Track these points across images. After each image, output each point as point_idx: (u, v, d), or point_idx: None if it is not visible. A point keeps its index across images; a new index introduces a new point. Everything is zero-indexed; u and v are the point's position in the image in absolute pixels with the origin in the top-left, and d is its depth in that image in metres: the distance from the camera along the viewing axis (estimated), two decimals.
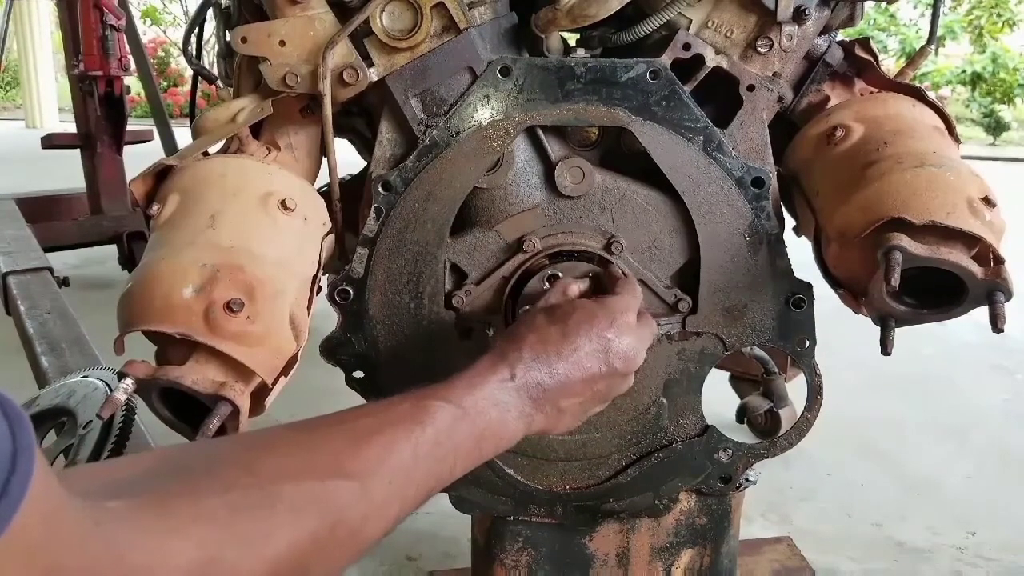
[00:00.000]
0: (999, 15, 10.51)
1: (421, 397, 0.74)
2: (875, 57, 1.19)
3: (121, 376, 0.89)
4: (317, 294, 1.02)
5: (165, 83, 12.26)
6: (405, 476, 0.70)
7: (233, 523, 0.56)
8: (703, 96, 1.07)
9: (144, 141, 3.82)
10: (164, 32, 13.75)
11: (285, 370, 0.96)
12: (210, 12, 1.38)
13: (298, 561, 0.60)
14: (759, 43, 1.07)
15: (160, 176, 1.03)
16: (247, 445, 0.68)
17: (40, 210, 3.58)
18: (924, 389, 2.52)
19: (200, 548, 0.53)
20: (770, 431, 1.98)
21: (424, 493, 0.73)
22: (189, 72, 1.82)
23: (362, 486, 0.66)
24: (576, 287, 0.97)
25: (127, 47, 3.63)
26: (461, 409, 0.75)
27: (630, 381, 0.90)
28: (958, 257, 0.95)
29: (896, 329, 1.01)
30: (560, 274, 1.08)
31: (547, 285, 1.08)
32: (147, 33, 12.58)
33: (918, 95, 1.15)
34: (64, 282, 2.72)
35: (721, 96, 1.10)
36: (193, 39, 1.38)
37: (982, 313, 0.97)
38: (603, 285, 1.01)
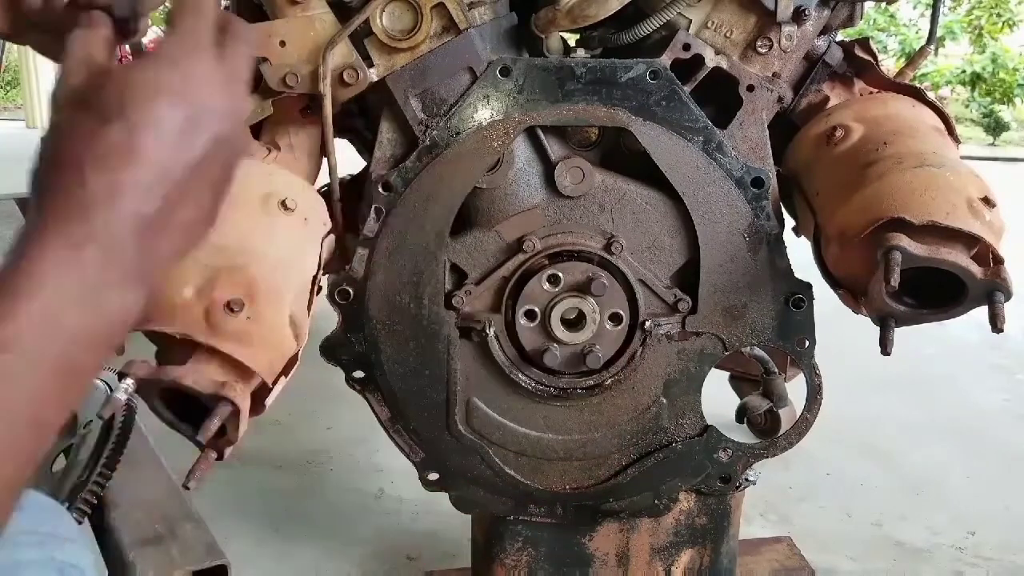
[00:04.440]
0: (999, 15, 10.48)
1: None
2: (875, 57, 1.19)
3: (121, 376, 0.88)
4: (317, 294, 1.02)
5: None
6: None
7: None
8: (703, 96, 1.07)
9: None
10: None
11: (285, 370, 0.96)
12: None
13: None
14: (759, 43, 1.07)
15: None
16: None
17: None
18: (924, 389, 2.52)
19: None
20: (770, 431, 1.98)
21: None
22: None
23: None
24: (101, 46, 0.59)
25: (127, 47, 3.63)
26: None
27: (241, 143, 0.58)
28: (958, 257, 0.95)
29: (896, 329, 1.01)
30: (561, 275, 1.08)
31: (547, 286, 1.08)
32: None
33: (917, 95, 1.15)
34: None
35: (721, 96, 1.10)
36: None
37: (982, 313, 0.97)
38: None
